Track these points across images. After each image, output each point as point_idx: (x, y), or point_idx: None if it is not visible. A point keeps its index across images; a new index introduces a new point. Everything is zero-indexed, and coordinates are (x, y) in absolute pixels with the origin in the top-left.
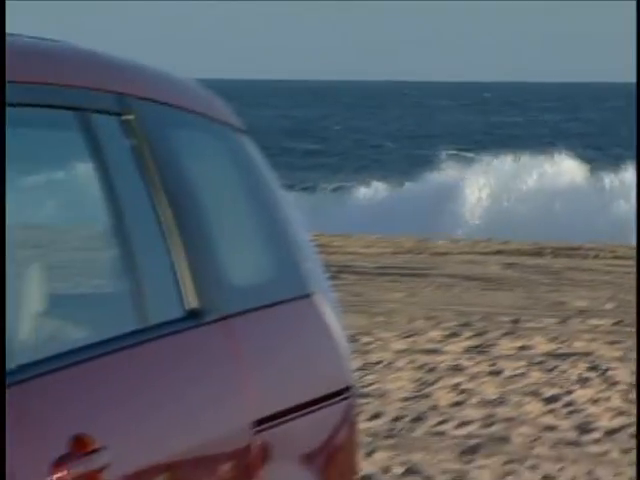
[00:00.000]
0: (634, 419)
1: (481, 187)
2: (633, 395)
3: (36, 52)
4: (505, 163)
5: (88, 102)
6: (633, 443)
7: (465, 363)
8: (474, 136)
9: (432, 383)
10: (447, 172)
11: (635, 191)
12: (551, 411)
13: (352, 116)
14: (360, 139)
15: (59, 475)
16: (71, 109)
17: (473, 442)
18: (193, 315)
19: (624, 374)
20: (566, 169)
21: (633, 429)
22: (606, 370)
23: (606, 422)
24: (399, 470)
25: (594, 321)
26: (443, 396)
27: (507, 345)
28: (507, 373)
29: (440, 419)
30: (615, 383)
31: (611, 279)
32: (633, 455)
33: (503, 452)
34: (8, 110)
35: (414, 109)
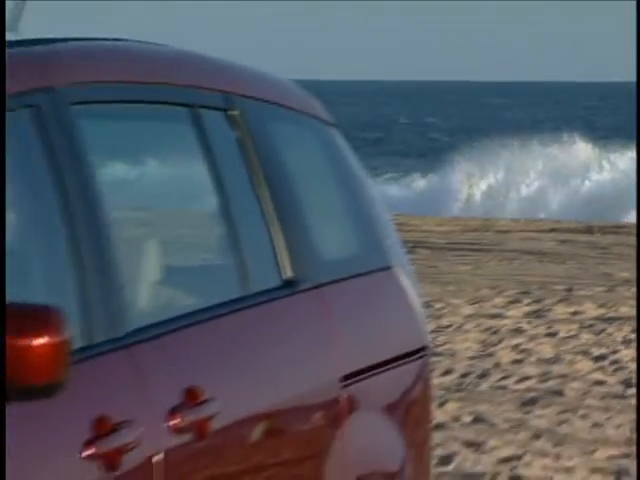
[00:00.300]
0: None
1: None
2: None
3: (155, 57)
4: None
5: (198, 99)
6: None
7: (524, 326)
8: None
9: (495, 344)
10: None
11: None
12: (600, 368)
13: (418, 112)
14: (421, 131)
15: (174, 422)
16: (184, 105)
17: (531, 395)
18: (288, 284)
19: None
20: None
21: None
22: None
23: None
24: (467, 419)
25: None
26: (505, 355)
27: (561, 310)
28: (561, 335)
29: (502, 375)
30: None
31: None
32: None
33: (558, 403)
34: (134, 106)
35: (478, 107)
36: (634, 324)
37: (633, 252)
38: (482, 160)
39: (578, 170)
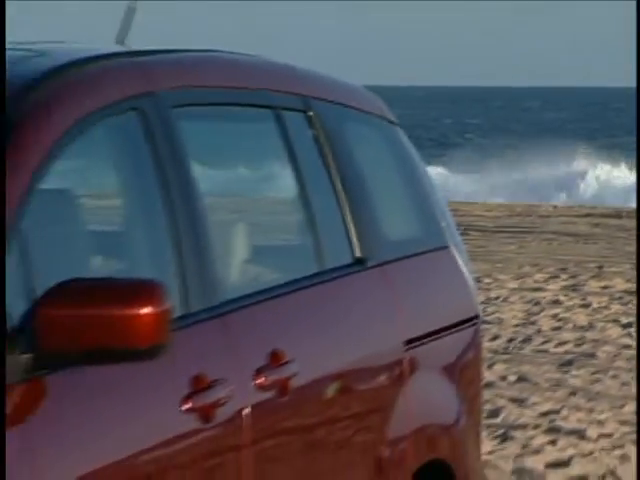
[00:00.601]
0: None
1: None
2: None
3: (243, 65)
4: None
5: (281, 102)
6: None
7: (562, 298)
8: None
9: (537, 313)
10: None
11: None
12: (627, 334)
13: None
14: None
15: (260, 381)
16: (268, 108)
17: (568, 357)
18: (358, 262)
19: None
20: None
21: None
22: None
23: None
24: (512, 378)
25: None
26: (545, 323)
27: (594, 284)
28: (594, 305)
29: (543, 340)
30: None
31: None
32: None
33: (591, 365)
34: (225, 109)
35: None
36: None
37: None
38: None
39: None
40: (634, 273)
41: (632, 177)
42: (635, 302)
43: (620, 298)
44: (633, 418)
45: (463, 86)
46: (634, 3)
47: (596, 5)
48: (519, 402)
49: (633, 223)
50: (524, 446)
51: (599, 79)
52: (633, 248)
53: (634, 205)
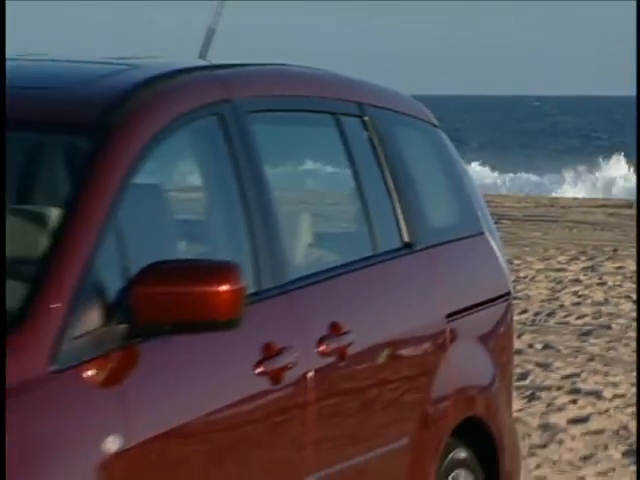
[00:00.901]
0: None
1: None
2: None
3: (308, 76)
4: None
5: (340, 109)
6: None
7: (582, 277)
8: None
9: (560, 290)
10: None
11: None
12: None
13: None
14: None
15: (321, 348)
16: (329, 113)
17: (587, 328)
18: (406, 246)
19: None
20: None
21: None
22: None
23: None
24: (539, 346)
25: None
26: (567, 299)
27: (609, 265)
28: (609, 284)
29: (565, 314)
30: None
31: None
32: None
33: (607, 335)
34: (292, 114)
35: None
36: None
37: None
38: None
39: None
40: None
41: None
42: None
43: (632, 277)
44: None
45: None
46: None
47: None
48: (544, 367)
49: None
50: (549, 405)
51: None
52: None
53: None
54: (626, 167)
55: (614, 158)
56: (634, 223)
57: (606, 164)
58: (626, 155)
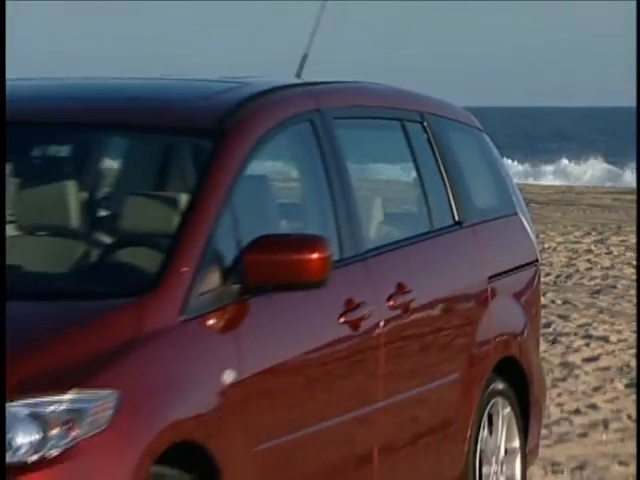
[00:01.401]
0: None
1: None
2: None
3: (379, 90)
4: None
5: (405, 116)
6: None
7: (593, 248)
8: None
9: (576, 258)
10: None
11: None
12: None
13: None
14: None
15: (390, 303)
16: (397, 120)
17: (597, 288)
18: (457, 223)
19: None
20: None
21: None
22: None
23: None
24: (559, 302)
25: None
26: (581, 265)
27: (615, 239)
28: (615, 253)
29: (580, 276)
30: None
31: None
32: None
33: (613, 293)
34: (367, 121)
35: None
36: None
37: None
38: None
39: None
40: None
41: None
42: None
43: (633, 248)
44: None
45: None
46: None
47: None
48: (564, 318)
49: None
50: (567, 347)
51: None
52: None
53: None
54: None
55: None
56: (634, 205)
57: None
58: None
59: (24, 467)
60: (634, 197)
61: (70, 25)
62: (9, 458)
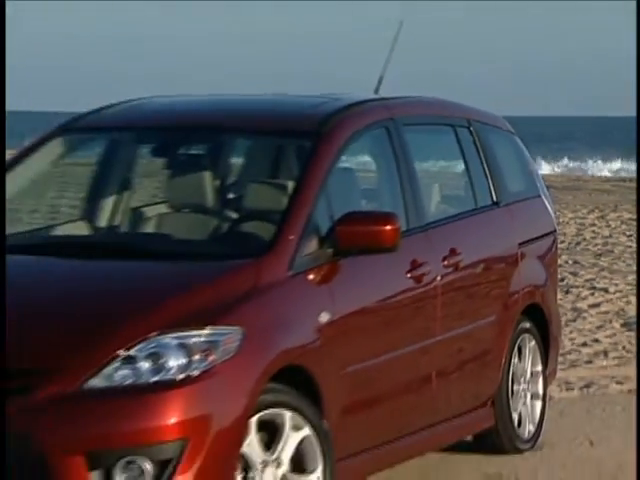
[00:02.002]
0: None
1: None
2: None
3: (436, 102)
4: None
5: (456, 122)
6: None
7: (596, 222)
8: None
9: (584, 230)
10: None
11: None
12: (629, 240)
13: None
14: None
15: (445, 262)
16: (450, 126)
17: (599, 252)
18: (495, 203)
19: None
20: None
21: None
22: None
23: None
24: (570, 262)
25: None
26: (587, 235)
27: (613, 215)
28: (612, 226)
29: (586, 243)
30: None
31: None
32: None
33: (611, 255)
34: (428, 127)
35: None
36: None
37: None
38: None
39: None
40: (634, 209)
41: None
42: (634, 224)
43: (626, 222)
44: (633, 281)
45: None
46: None
47: None
48: (574, 274)
49: (634, 184)
50: (577, 296)
51: None
52: (633, 197)
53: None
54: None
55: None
56: (628, 190)
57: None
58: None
59: (173, 383)
60: (627, 184)
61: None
62: (162, 377)
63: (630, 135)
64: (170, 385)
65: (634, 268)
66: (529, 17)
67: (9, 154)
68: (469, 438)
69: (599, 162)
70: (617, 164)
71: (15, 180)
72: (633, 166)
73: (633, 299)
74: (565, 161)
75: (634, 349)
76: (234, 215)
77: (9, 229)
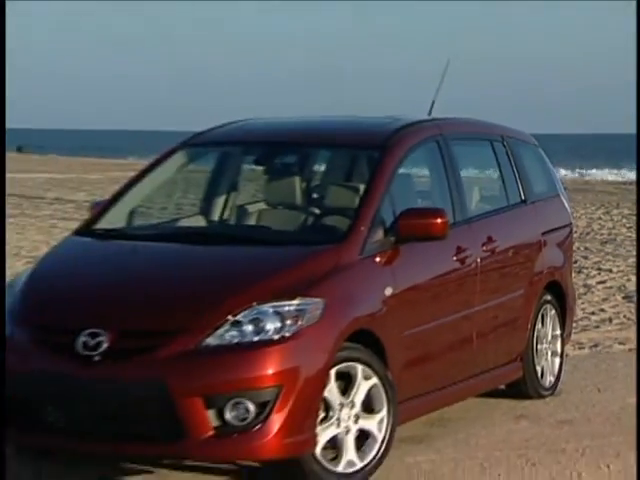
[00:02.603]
0: None
1: None
2: None
3: (475, 122)
4: None
5: (492, 138)
6: None
7: (602, 216)
8: None
9: (591, 222)
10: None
11: None
12: (628, 231)
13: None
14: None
15: (483, 248)
16: (487, 140)
17: (604, 240)
18: (523, 201)
19: None
20: None
21: None
22: None
23: None
24: (582, 248)
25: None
26: (595, 226)
27: (615, 211)
28: (615, 219)
29: (594, 233)
30: None
31: None
32: None
33: (614, 243)
34: (469, 141)
35: None
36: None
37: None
38: None
39: None
40: (633, 207)
41: None
42: (633, 219)
43: (626, 216)
44: (632, 263)
45: None
46: None
47: None
48: (584, 257)
49: (633, 187)
50: (587, 275)
51: None
52: (633, 197)
53: None
54: None
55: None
56: (628, 192)
57: None
58: None
59: (271, 341)
60: (627, 187)
61: None
62: (261, 337)
63: (618, 150)
64: (268, 343)
65: (633, 253)
66: None
67: (141, 165)
68: (502, 387)
69: (605, 170)
70: (617, 173)
71: (148, 184)
72: (630, 174)
73: (632, 277)
74: (577, 169)
75: (633, 317)
76: (317, 211)
77: (145, 223)
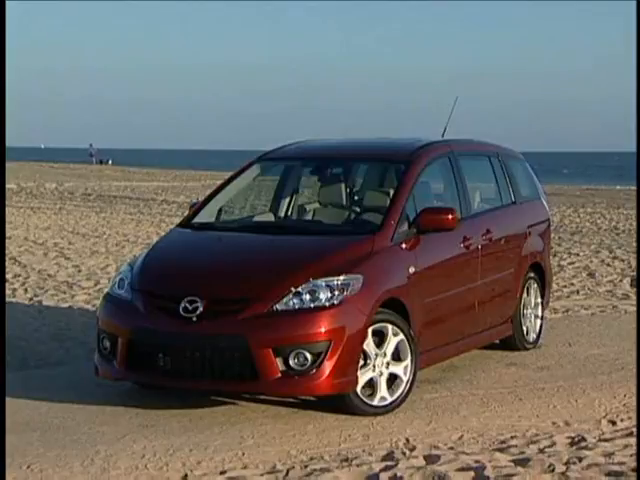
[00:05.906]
0: None
1: None
2: None
3: (475, 142)
4: None
5: (489, 154)
6: None
7: (571, 214)
8: None
9: (564, 219)
10: None
11: None
12: (593, 225)
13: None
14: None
15: (483, 237)
16: (486, 156)
17: (573, 232)
18: (513, 202)
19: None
20: None
21: None
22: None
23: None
24: (556, 238)
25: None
26: (566, 221)
27: (616, 211)
28: (581, 216)
29: (565, 226)
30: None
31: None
32: None
33: (581, 234)
34: (473, 156)
35: None
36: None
37: None
38: None
39: None
40: (595, 207)
41: None
42: (629, 216)
43: (589, 215)
44: (595, 248)
45: None
46: None
47: None
48: (558, 244)
49: (595, 191)
50: (560, 258)
51: None
52: (595, 199)
53: None
54: None
55: None
56: (591, 196)
57: None
58: None
59: (323, 307)
60: (590, 192)
61: None
62: (316, 304)
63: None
64: (321, 309)
65: (595, 241)
66: None
67: (226, 176)
68: (497, 341)
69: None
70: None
71: (231, 189)
72: (595, 184)
73: (595, 260)
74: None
75: (595, 289)
76: (358, 209)
77: (229, 218)
